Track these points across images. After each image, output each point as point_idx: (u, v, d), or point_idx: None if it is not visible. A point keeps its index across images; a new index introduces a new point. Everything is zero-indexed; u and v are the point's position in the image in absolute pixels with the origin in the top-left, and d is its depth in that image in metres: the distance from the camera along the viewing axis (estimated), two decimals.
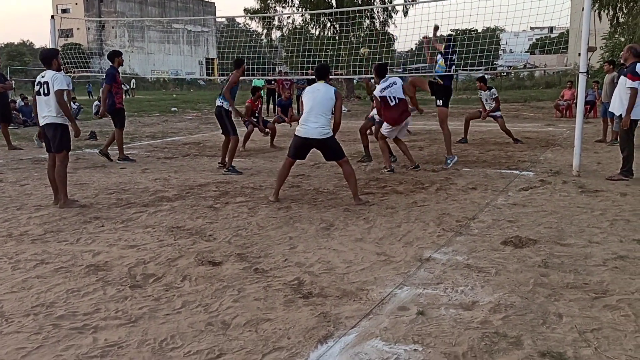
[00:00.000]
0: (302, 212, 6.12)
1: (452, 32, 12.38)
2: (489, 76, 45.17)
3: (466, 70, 12.18)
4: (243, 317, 3.45)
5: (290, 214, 6.07)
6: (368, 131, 9.83)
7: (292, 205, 6.45)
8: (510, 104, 26.06)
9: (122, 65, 10.04)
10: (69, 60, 17.07)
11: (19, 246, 4.96)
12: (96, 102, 20.98)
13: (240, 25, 67.82)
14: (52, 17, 12.77)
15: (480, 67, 13.45)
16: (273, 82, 20.44)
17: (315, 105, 6.44)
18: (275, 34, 42.25)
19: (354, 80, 36.02)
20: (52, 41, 12.36)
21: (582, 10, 7.93)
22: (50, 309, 3.58)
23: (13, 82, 17.81)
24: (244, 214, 6.06)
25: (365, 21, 37.24)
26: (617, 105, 7.83)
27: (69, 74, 13.22)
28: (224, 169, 8.77)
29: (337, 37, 30.90)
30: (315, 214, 6.06)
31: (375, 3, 38.31)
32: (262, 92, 21.24)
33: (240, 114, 9.88)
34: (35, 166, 9.50)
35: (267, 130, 11.92)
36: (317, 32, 39.61)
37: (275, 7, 41.45)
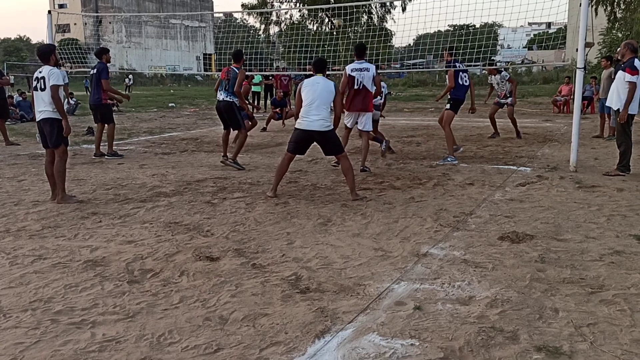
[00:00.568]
0: (300, 208, 6.13)
1: (449, 28, 12.41)
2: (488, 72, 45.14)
3: (468, 66, 12.14)
4: (241, 312, 3.46)
5: (288, 209, 6.08)
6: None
7: (290, 201, 6.45)
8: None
9: (109, 62, 10.08)
10: (66, 56, 17.05)
11: (17, 242, 4.96)
12: None
13: (237, 21, 67.76)
14: (49, 12, 12.74)
15: (478, 63, 13.43)
16: (271, 77, 20.41)
17: (316, 98, 6.41)
18: (273, 30, 42.22)
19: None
20: (49, 36, 12.33)
21: (580, 5, 7.94)
22: (48, 304, 3.59)
23: (12, 77, 17.77)
24: (241, 210, 6.06)
25: (362, 17, 37.20)
26: (615, 99, 7.83)
27: (63, 69, 13.21)
28: (228, 160, 8.79)
29: (334, 33, 30.85)
30: (313, 209, 6.06)
31: None
32: (260, 87, 21.29)
33: (247, 107, 9.91)
34: (33, 162, 9.48)
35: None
36: (315, 28, 39.58)
37: (272, 2, 41.37)
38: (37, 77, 6.42)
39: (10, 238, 5.07)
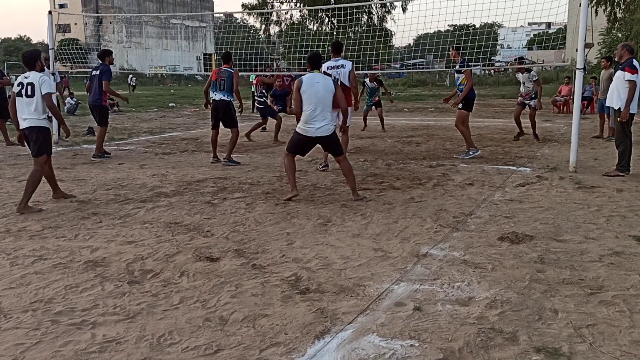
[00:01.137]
0: (300, 208, 6.13)
1: (449, 28, 12.44)
2: (488, 72, 45.17)
3: (470, 66, 12.12)
4: (241, 313, 3.47)
5: (288, 209, 6.08)
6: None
7: (290, 201, 6.46)
8: (508, 100, 26.06)
9: (112, 64, 10.15)
10: (66, 56, 17.06)
11: (17, 242, 4.97)
12: None
13: (238, 21, 67.80)
14: (50, 12, 12.76)
15: (478, 63, 13.40)
16: (271, 76, 20.37)
17: (319, 103, 6.24)
18: (273, 30, 42.22)
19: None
20: (50, 36, 12.34)
21: (580, 6, 7.94)
22: (48, 305, 3.60)
23: (13, 77, 17.77)
24: (241, 210, 6.07)
25: (363, 17, 37.21)
26: (615, 98, 7.84)
27: (63, 68, 13.27)
28: (223, 161, 9.05)
29: (334, 33, 30.87)
30: (313, 209, 6.07)
31: None
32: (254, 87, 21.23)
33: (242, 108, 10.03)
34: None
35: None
36: (315, 28, 39.58)
37: (273, 2, 41.37)
38: (21, 83, 6.14)
39: (11, 238, 5.08)
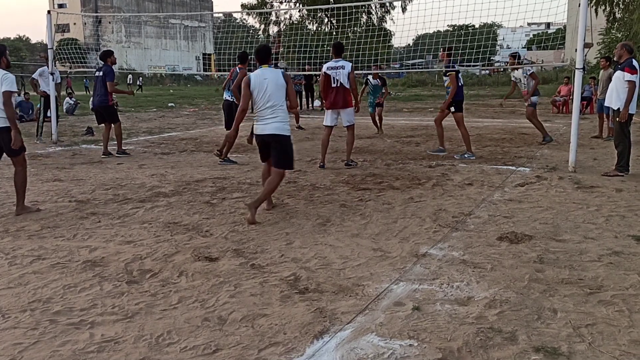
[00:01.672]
0: (299, 208, 6.13)
1: (449, 28, 12.43)
2: (487, 72, 45.18)
3: (463, 66, 12.10)
4: (239, 313, 3.46)
5: (287, 209, 6.08)
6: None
7: (289, 201, 6.45)
8: (507, 100, 26.00)
9: (115, 63, 10.21)
10: (66, 56, 17.04)
11: (16, 242, 4.96)
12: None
13: (237, 21, 67.77)
14: (49, 12, 12.75)
15: (477, 63, 13.39)
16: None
17: (270, 98, 5.65)
18: (273, 30, 42.21)
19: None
20: (49, 36, 12.33)
21: (579, 6, 7.94)
22: (46, 305, 3.59)
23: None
24: (240, 210, 6.06)
25: (362, 17, 37.22)
26: (615, 98, 7.84)
27: (63, 68, 13.25)
28: (219, 161, 9.20)
29: (334, 33, 30.87)
30: (312, 209, 6.07)
31: None
32: None
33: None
34: (32, 162, 9.46)
35: None
36: (315, 28, 39.59)
37: (272, 2, 41.37)
38: None
39: (10, 238, 5.08)
